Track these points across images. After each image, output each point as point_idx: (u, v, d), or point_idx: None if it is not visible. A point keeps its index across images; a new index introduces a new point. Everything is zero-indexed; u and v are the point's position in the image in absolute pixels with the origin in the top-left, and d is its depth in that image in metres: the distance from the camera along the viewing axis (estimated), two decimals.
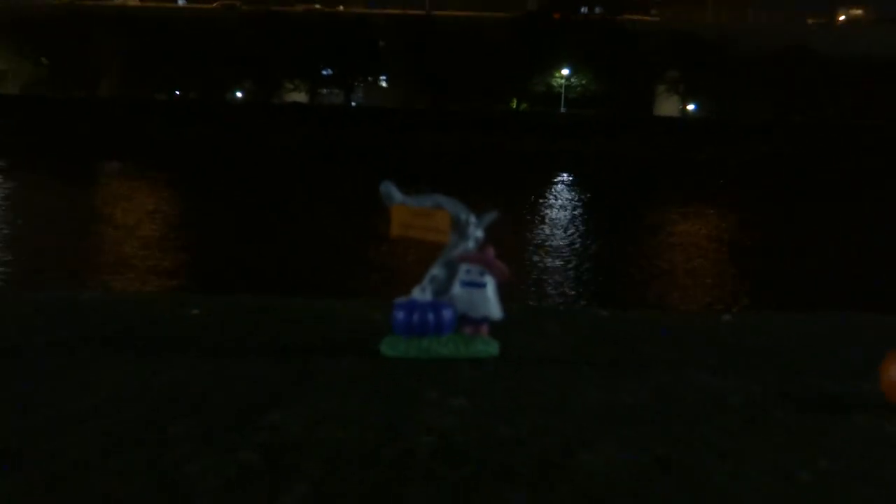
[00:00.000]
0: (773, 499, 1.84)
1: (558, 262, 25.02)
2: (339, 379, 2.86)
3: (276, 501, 1.80)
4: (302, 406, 2.44)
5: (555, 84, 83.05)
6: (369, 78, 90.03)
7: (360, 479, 1.93)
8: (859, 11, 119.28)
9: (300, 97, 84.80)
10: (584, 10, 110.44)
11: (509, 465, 2.05)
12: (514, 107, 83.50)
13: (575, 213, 38.40)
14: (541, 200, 40.84)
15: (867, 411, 2.53)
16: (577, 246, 28.91)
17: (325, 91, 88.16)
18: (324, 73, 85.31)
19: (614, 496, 1.82)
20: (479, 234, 3.62)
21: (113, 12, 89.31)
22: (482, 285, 3.61)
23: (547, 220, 34.57)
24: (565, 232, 31.60)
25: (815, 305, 5.55)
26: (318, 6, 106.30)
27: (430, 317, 3.56)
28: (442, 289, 3.64)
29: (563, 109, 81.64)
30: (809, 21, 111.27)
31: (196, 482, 1.85)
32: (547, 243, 28.60)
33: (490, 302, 3.62)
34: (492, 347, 3.65)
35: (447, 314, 3.59)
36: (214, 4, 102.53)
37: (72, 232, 26.92)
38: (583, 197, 45.53)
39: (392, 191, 3.72)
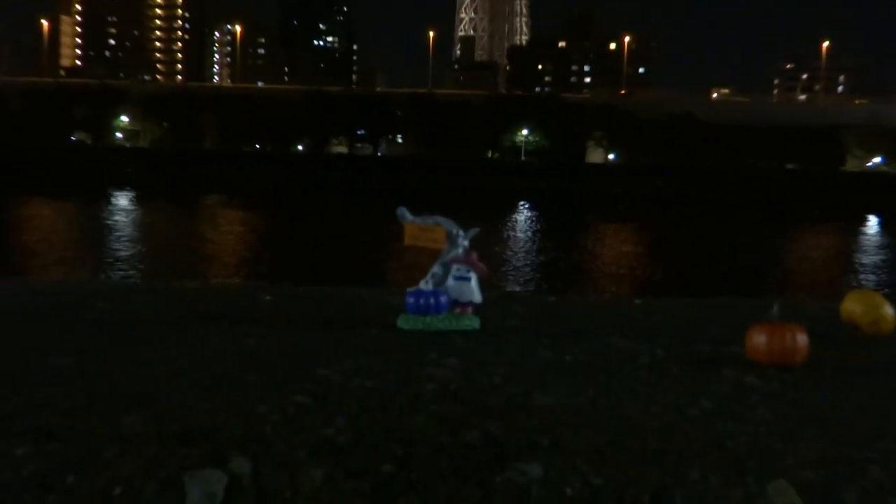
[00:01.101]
0: (670, 427, 2.17)
1: (520, 263, 32.87)
2: (367, 344, 3.29)
3: (322, 430, 2.16)
4: (340, 363, 2.83)
5: (517, 140, 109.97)
6: (389, 136, 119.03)
7: (382, 414, 2.30)
8: (726, 90, 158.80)
9: (342, 149, 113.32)
10: (538, 89, 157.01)
11: (487, 403, 2.42)
12: (490, 156, 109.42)
13: (532, 229, 50.83)
14: (508, 221, 53.06)
15: (734, 366, 2.91)
16: (534, 252, 38.12)
17: (359, 145, 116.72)
18: (358, 132, 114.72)
19: (559, 425, 2.16)
20: (466, 243, 4.24)
21: (213, 91, 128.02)
22: (468, 279, 4.28)
23: (512, 234, 45.09)
24: (525, 242, 41.62)
25: (697, 292, 6.20)
26: (354, 87, 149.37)
27: (432, 301, 4.22)
28: (439, 282, 4.29)
29: (523, 158, 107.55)
30: (706, 95, 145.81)
31: (266, 416, 2.21)
32: (513, 250, 37.14)
33: (474, 291, 4.28)
34: (475, 322, 4.31)
35: (443, 299, 4.26)
36: (284, 86, 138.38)
37: (183, 240, 36.13)
38: (537, 218, 59.93)
39: (405, 213, 4.42)
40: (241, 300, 4.25)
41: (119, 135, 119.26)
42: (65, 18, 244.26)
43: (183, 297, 4.26)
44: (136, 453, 2.04)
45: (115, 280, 21.66)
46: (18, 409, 2.26)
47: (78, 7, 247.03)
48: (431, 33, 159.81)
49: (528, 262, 34.20)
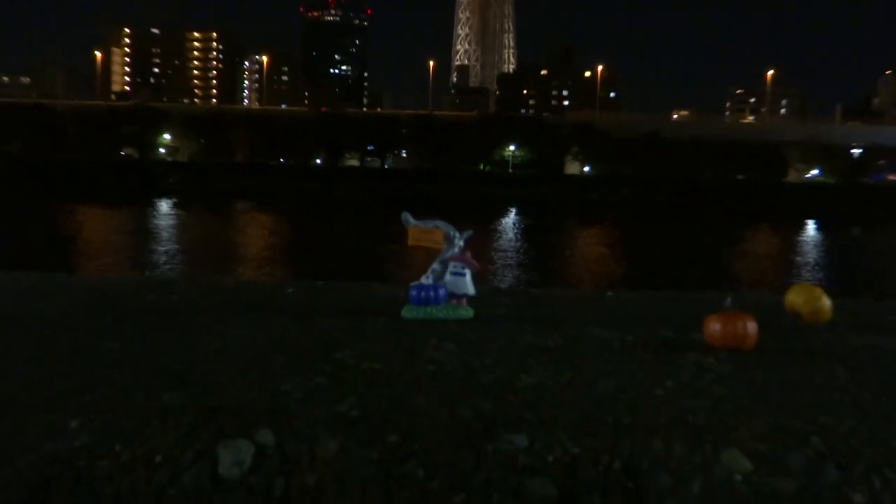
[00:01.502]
0: (638, 403, 2.17)
1: (508, 261, 32.55)
2: (375, 331, 3.29)
3: (337, 406, 2.15)
4: (353, 348, 2.83)
5: (505, 154, 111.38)
6: (395, 150, 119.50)
7: (388, 392, 2.29)
8: (685, 112, 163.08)
9: (354, 162, 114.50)
10: (523, 111, 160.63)
11: (479, 382, 2.42)
12: (482, 168, 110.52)
13: (518, 231, 50.77)
14: (498, 224, 53.01)
15: (694, 350, 2.91)
16: (520, 250, 37.72)
17: (369, 159, 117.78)
18: (368, 147, 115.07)
19: (542, 401, 2.16)
20: (461, 243, 4.23)
21: (243, 112, 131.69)
22: (463, 274, 4.26)
23: (502, 235, 44.74)
24: (513, 242, 41.48)
25: (661, 286, 6.16)
26: (365, 109, 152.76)
27: (431, 294, 4.20)
28: (438, 277, 4.28)
29: (510, 170, 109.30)
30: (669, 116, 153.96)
31: (289, 393, 2.21)
32: (502, 249, 36.89)
33: (468, 285, 4.27)
34: (469, 312, 4.30)
35: (442, 292, 4.24)
36: (304, 108, 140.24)
37: (217, 241, 34.90)
38: (523, 221, 59.78)
39: (408, 217, 4.40)
40: (268, 293, 4.24)
41: (162, 150, 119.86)
42: (115, 50, 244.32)
43: (218, 291, 4.25)
44: (175, 426, 2.03)
45: (159, 275, 21.67)
46: (74, 387, 2.25)
47: (127, 41, 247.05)
48: (431, 63, 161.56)
49: (514, 260, 34.08)
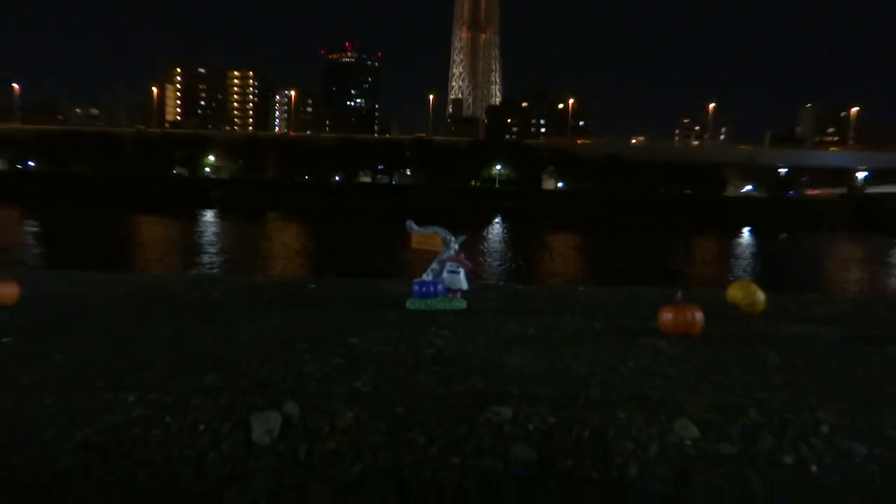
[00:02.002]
0: (605, 381, 2.16)
1: (496, 261, 32.81)
2: (384, 320, 3.24)
3: (352, 383, 2.13)
4: (365, 334, 2.79)
5: (493, 173, 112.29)
6: (401, 169, 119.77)
7: (394, 371, 2.27)
8: (642, 137, 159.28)
9: (366, 179, 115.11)
10: (507, 136, 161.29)
11: (471, 363, 2.39)
12: (473, 184, 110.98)
13: (504, 236, 51.06)
14: (487, 230, 53.69)
15: (651, 336, 2.89)
16: (505, 252, 38.05)
17: (379, 176, 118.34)
18: (379, 167, 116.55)
19: (524, 379, 2.15)
20: (456, 246, 4.20)
21: (274, 138, 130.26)
22: (458, 272, 4.23)
23: (490, 240, 45.29)
24: (499, 245, 41.91)
25: (622, 283, 6.20)
26: (375, 135, 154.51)
27: (431, 289, 4.17)
28: (437, 274, 4.25)
29: (496, 185, 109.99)
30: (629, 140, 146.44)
31: (312, 372, 2.18)
32: (490, 250, 37.25)
33: (462, 281, 4.23)
34: (462, 304, 4.26)
35: (440, 287, 4.21)
36: (325, 134, 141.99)
37: (252, 245, 36.21)
38: (508, 228, 60.14)
39: (411, 225, 4.37)
40: (293, 288, 4.20)
41: (207, 169, 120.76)
42: (168, 86, 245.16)
43: (251, 287, 4.22)
44: (214, 400, 2.01)
45: (202, 274, 21.67)
46: (130, 368, 2.22)
47: (178, 78, 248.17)
48: (431, 96, 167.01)
49: (501, 260, 34.23)
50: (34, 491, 1.62)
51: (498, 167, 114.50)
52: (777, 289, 4.56)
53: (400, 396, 2.04)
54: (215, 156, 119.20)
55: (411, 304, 4.25)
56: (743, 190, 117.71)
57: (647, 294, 4.28)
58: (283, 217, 65.05)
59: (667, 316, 3.12)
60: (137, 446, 1.86)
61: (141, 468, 1.79)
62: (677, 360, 2.60)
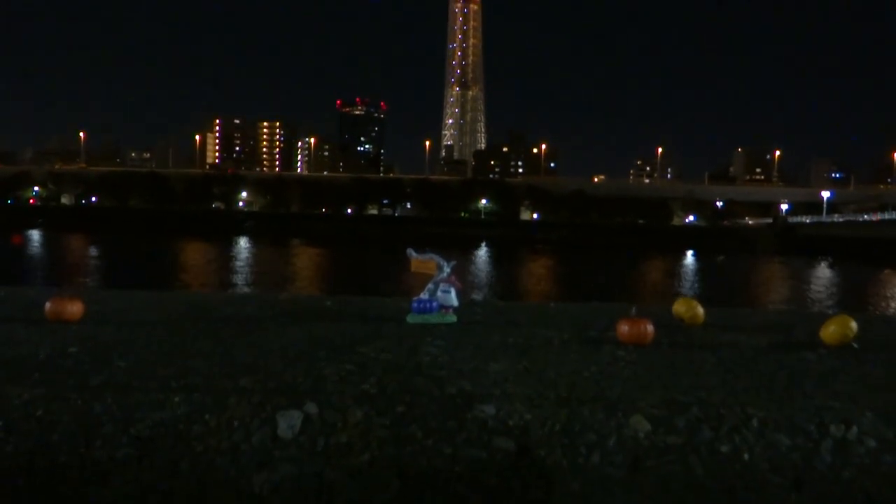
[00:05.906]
0: (573, 383, 2.13)
1: (482, 281, 33.24)
2: (387, 332, 3.21)
3: (362, 386, 2.11)
4: (373, 344, 2.77)
5: (479, 206, 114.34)
6: (403, 203, 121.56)
7: (397, 375, 2.25)
8: (602, 176, 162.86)
9: (374, 212, 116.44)
10: (491, 175, 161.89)
11: (460, 369, 2.38)
12: (462, 215, 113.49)
13: (488, 260, 51.88)
14: (473, 255, 53.81)
15: (611, 345, 2.88)
16: (489, 274, 38.64)
17: (384, 209, 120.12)
18: (384, 201, 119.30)
19: (505, 382, 2.13)
20: (449, 269, 4.15)
21: (297, 177, 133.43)
22: (450, 291, 4.16)
23: (476, 264, 45.64)
24: (484, 268, 41.04)
25: (586, 298, 6.13)
26: (381, 174, 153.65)
27: (427, 305, 4.08)
28: (432, 294, 4.18)
29: (482, 217, 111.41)
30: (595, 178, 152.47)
31: (328, 376, 2.15)
32: (477, 272, 37.96)
33: (453, 299, 4.15)
34: (454, 319, 4.16)
35: (435, 304, 4.11)
36: (339, 174, 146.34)
37: (278, 267, 34.59)
38: (492, 254, 60.15)
39: (411, 252, 4.30)
40: (312, 305, 4.18)
41: (241, 203, 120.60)
42: (209, 135, 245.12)
43: (276, 304, 4.20)
44: (247, 401, 2.00)
45: (235, 292, 21.47)
46: (175, 373, 2.22)
47: (217, 127, 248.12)
48: (427, 142, 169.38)
49: (485, 280, 33.86)
50: (96, 475, 1.62)
51: (483, 201, 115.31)
52: (714, 303, 4.61)
53: (401, 397, 2.05)
54: (248, 192, 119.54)
55: (411, 318, 4.23)
56: (686, 220, 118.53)
57: (606, 309, 4.29)
58: (304, 243, 64.77)
59: (623, 328, 3.15)
60: (181, 439, 1.86)
61: (184, 457, 1.79)
62: (632, 365, 2.62)
